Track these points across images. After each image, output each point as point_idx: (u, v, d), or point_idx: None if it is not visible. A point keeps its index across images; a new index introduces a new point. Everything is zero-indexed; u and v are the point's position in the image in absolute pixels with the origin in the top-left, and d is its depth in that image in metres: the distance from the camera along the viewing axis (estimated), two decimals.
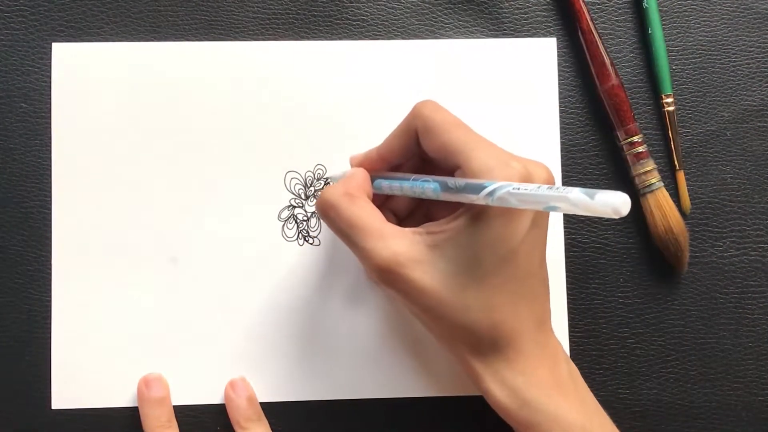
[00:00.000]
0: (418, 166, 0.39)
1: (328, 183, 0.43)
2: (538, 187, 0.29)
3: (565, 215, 0.44)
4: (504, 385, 0.34)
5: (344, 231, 0.35)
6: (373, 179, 0.38)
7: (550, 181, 0.34)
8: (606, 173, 0.44)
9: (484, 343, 0.34)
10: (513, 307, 0.34)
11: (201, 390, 0.43)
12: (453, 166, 0.35)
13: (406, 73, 0.44)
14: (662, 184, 0.43)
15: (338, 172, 0.42)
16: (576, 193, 0.27)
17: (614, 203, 0.26)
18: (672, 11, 0.45)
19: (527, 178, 0.33)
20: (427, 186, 0.35)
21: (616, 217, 0.26)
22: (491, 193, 0.31)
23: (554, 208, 0.28)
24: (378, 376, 0.43)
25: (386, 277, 0.34)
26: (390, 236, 0.34)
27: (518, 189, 0.30)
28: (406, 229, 0.35)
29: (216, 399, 0.42)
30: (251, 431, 0.41)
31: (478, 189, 0.31)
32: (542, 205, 0.29)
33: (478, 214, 0.33)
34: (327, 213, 0.36)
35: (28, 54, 0.43)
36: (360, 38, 0.44)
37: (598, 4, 0.45)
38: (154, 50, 0.44)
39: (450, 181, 0.33)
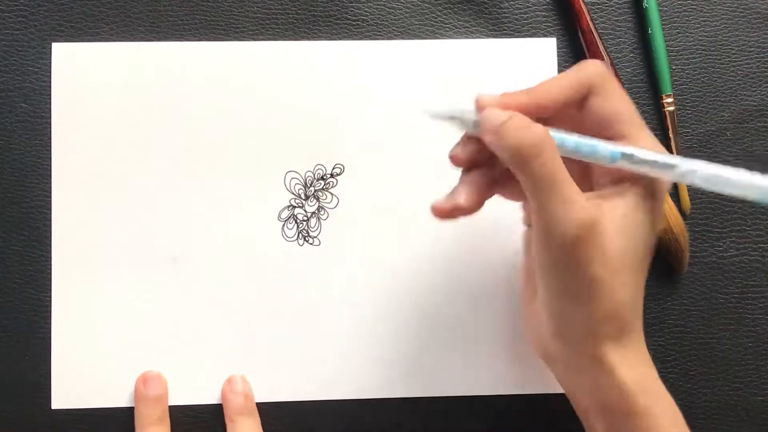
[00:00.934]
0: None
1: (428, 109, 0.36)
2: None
3: None
4: (634, 369, 0.34)
5: (544, 186, 0.32)
6: None
7: None
8: None
9: (627, 326, 0.34)
10: (641, 291, 0.35)
11: (200, 390, 0.43)
12: (614, 135, 0.34)
13: (406, 73, 0.44)
14: None
15: (465, 113, 0.34)
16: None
17: None
18: (672, 11, 0.45)
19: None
20: (604, 149, 0.34)
21: None
22: (683, 174, 0.33)
23: (739, 194, 0.32)
24: (379, 376, 0.43)
25: (575, 241, 0.32)
26: (582, 201, 0.32)
27: (709, 172, 0.33)
28: (593, 194, 0.35)
29: (215, 399, 0.42)
30: (239, 424, 0.41)
31: (669, 167, 0.33)
32: (730, 189, 0.32)
33: (652, 193, 0.34)
34: (534, 158, 0.32)
35: (28, 54, 0.43)
36: (360, 38, 0.44)
37: (598, 4, 0.45)
38: (154, 50, 0.44)
39: (638, 152, 0.33)
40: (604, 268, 0.33)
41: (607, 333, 0.34)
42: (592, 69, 0.35)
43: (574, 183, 0.33)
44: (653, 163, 0.33)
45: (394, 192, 0.44)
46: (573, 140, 0.34)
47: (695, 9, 0.45)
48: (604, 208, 0.33)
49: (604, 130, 0.35)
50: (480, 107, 0.34)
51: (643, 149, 0.33)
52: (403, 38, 0.45)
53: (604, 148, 0.33)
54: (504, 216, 0.44)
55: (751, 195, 0.32)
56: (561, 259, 0.33)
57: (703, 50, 0.45)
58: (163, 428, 0.41)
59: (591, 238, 0.32)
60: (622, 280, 0.33)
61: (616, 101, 0.35)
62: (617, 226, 0.33)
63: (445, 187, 0.44)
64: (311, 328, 0.43)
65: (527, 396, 0.43)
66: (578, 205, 0.32)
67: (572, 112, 0.35)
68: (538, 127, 0.32)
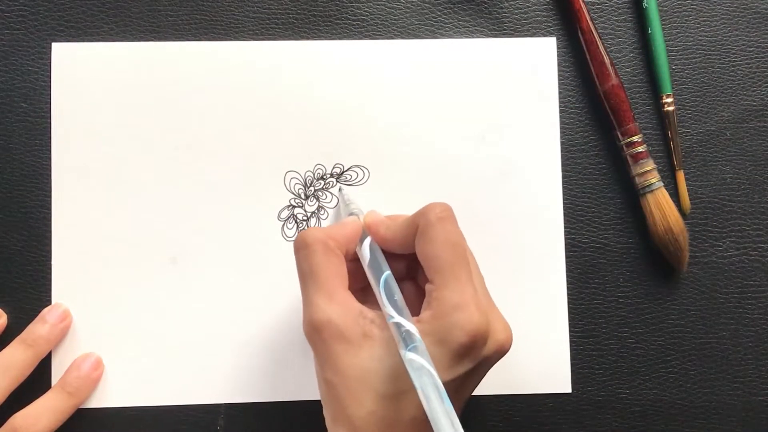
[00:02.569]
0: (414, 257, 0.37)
1: (340, 188, 0.43)
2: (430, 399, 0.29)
3: (565, 216, 0.44)
4: None
5: (304, 274, 0.35)
6: (362, 237, 0.37)
7: (507, 344, 0.34)
8: (606, 173, 0.44)
9: None
10: (394, 415, 0.33)
11: (200, 390, 0.43)
12: (429, 280, 0.34)
13: (406, 73, 0.44)
14: (662, 184, 0.43)
15: (350, 199, 0.41)
16: None
17: None
18: (672, 11, 0.45)
19: (481, 333, 0.32)
20: (377, 287, 0.34)
21: None
22: (406, 357, 0.30)
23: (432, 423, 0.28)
24: None
25: (312, 336, 0.33)
26: (336, 303, 0.34)
27: (424, 374, 0.29)
28: (359, 306, 0.34)
29: (215, 399, 0.42)
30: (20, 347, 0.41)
31: (403, 344, 0.31)
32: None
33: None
34: (298, 250, 0.35)
35: (28, 54, 0.43)
36: (360, 38, 0.44)
37: (598, 4, 0.45)
38: (154, 50, 0.44)
39: (390, 316, 0.32)
40: (337, 376, 0.33)
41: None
42: (424, 212, 0.35)
43: (331, 286, 0.34)
44: (394, 329, 0.32)
45: (394, 191, 0.44)
46: (366, 262, 0.35)
47: (695, 9, 0.45)
48: (355, 321, 0.33)
49: (426, 272, 0.34)
50: (365, 216, 0.38)
51: (394, 316, 0.32)
52: (403, 38, 0.45)
53: (376, 280, 0.34)
54: (504, 217, 0.44)
55: None
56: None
57: (703, 50, 0.45)
58: (30, 353, 0.41)
59: (321, 343, 0.33)
60: (356, 396, 0.32)
61: (431, 248, 0.34)
62: (365, 344, 0.33)
63: (443, 186, 0.44)
64: None
65: (525, 396, 0.43)
66: (321, 303, 0.33)
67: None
68: (319, 232, 0.35)
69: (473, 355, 0.32)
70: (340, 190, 0.43)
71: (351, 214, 0.39)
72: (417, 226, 0.35)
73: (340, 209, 0.43)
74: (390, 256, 0.37)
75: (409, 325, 0.31)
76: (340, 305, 0.34)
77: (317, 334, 0.33)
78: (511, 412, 0.43)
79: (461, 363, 0.32)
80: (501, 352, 0.34)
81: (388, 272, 0.34)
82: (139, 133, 0.43)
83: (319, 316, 0.33)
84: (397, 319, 0.32)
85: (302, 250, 0.35)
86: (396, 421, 0.33)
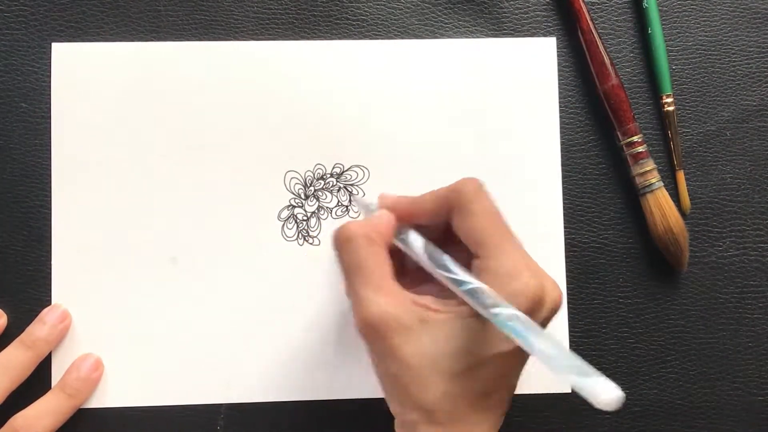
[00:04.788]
0: (442, 231, 0.37)
1: (353, 194, 0.43)
2: (537, 337, 0.29)
3: (565, 216, 0.44)
4: None
5: (350, 270, 0.34)
6: (402, 230, 0.37)
7: (560, 302, 0.34)
8: (606, 173, 0.44)
9: (439, 420, 0.33)
10: (465, 393, 0.33)
11: (200, 390, 0.43)
12: (474, 253, 0.34)
13: (406, 73, 0.44)
14: (662, 184, 0.43)
15: (366, 200, 0.41)
16: (571, 376, 0.27)
17: (606, 397, 0.26)
18: (672, 11, 0.45)
19: (539, 297, 0.32)
20: (442, 273, 0.34)
21: (601, 407, 0.26)
22: (496, 315, 0.30)
23: (543, 360, 0.28)
24: None
25: (368, 332, 0.33)
26: (387, 294, 0.33)
27: (517, 322, 0.30)
28: (409, 294, 0.34)
29: (215, 399, 0.42)
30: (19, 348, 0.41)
31: (487, 305, 0.31)
32: (535, 353, 0.29)
33: (479, 313, 0.33)
34: (342, 246, 0.35)
35: (28, 54, 0.43)
36: (360, 38, 0.44)
37: (598, 4, 0.45)
38: (154, 50, 0.44)
39: (465, 283, 0.33)
40: (402, 368, 0.33)
41: (413, 419, 0.33)
42: (457, 187, 0.35)
43: (380, 278, 0.33)
44: (469, 297, 0.32)
45: (393, 191, 0.44)
46: (421, 249, 0.35)
47: (695, 9, 0.45)
48: (408, 309, 0.33)
49: (469, 247, 0.34)
50: (380, 203, 0.38)
51: (471, 282, 0.32)
52: (403, 38, 0.45)
53: (435, 264, 0.34)
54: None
55: (554, 369, 0.28)
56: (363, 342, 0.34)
57: (703, 50, 0.45)
58: (29, 354, 0.41)
59: (379, 338, 0.33)
60: (423, 381, 0.32)
61: (473, 221, 0.34)
62: (423, 329, 0.33)
63: (443, 186, 0.44)
64: (311, 328, 0.43)
65: (525, 396, 0.43)
66: (373, 298, 0.33)
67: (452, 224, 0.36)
68: (359, 226, 0.35)
69: (535, 318, 0.32)
70: (351, 196, 0.43)
71: (372, 212, 0.39)
72: (449, 199, 0.35)
73: (361, 215, 0.43)
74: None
75: (487, 288, 0.32)
76: (392, 296, 0.33)
77: (374, 330, 0.33)
78: (511, 412, 0.43)
79: None
80: (556, 310, 0.34)
81: (446, 255, 0.34)
82: (139, 133, 0.43)
83: (372, 310, 0.33)
84: (477, 284, 0.32)
85: (346, 244, 0.35)
86: (470, 395, 0.32)
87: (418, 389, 0.32)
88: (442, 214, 0.35)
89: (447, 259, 0.34)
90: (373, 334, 0.33)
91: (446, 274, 0.33)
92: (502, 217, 0.35)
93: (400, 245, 0.36)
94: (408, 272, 0.38)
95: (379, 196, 0.38)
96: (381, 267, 0.34)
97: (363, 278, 0.34)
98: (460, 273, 0.33)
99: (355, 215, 0.44)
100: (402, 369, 0.32)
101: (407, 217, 0.37)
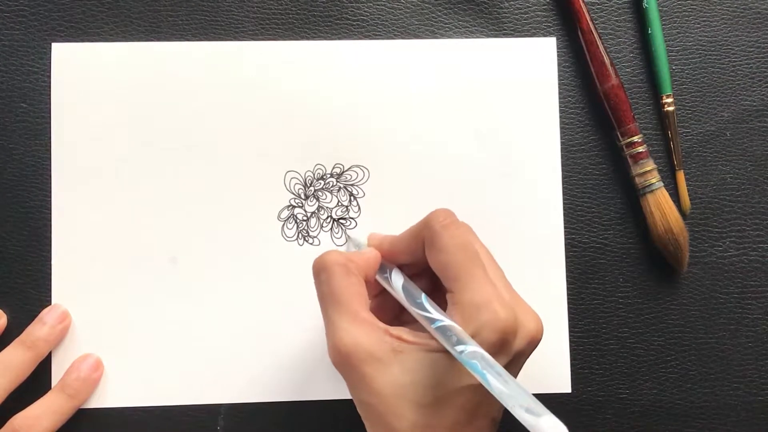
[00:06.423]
0: (425, 267, 0.37)
1: (347, 239, 0.43)
2: (496, 377, 0.30)
3: (565, 216, 0.44)
4: None
5: (325, 298, 0.35)
6: (386, 268, 0.37)
7: (538, 335, 0.34)
8: (606, 173, 0.44)
9: None
10: (441, 425, 0.33)
11: (200, 390, 0.43)
12: (447, 288, 0.34)
13: (406, 73, 0.44)
14: (662, 184, 0.43)
15: (359, 238, 0.41)
16: (522, 413, 0.29)
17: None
18: (672, 11, 0.45)
19: (510, 327, 0.32)
20: (416, 311, 0.34)
21: None
22: (459, 353, 0.31)
23: (499, 398, 0.29)
24: None
25: (340, 361, 0.33)
26: (361, 324, 0.33)
27: (478, 360, 0.30)
28: (383, 325, 0.34)
29: (215, 399, 0.42)
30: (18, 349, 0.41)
31: (452, 342, 0.31)
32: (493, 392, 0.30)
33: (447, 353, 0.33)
34: (319, 274, 0.35)
35: (28, 54, 0.43)
36: (360, 38, 0.44)
37: (598, 4, 0.45)
38: (154, 50, 0.44)
39: (436, 321, 0.33)
40: (373, 397, 0.33)
41: None
42: (426, 222, 0.35)
43: (355, 308, 0.34)
44: (439, 334, 0.32)
45: (394, 191, 0.44)
46: (399, 288, 0.36)
47: (695, 9, 0.45)
48: (382, 339, 0.33)
49: (443, 281, 0.34)
50: (369, 241, 0.39)
51: (442, 319, 0.32)
52: (403, 38, 0.45)
53: (411, 303, 0.35)
54: (504, 216, 0.44)
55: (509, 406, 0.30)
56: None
57: (703, 50, 0.45)
58: (29, 354, 0.41)
59: (351, 367, 0.33)
60: (396, 411, 0.32)
61: (441, 257, 0.34)
62: (396, 360, 0.33)
63: (443, 186, 0.44)
64: (311, 328, 0.43)
65: None
66: (346, 327, 0.33)
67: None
68: (338, 255, 0.35)
69: (506, 351, 0.32)
70: (348, 239, 0.43)
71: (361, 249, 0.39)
72: (421, 235, 0.35)
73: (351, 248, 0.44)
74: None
75: (455, 326, 0.32)
76: (365, 326, 0.33)
77: (347, 360, 0.33)
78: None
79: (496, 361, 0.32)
80: (533, 344, 0.34)
81: (423, 294, 0.35)
82: (139, 133, 0.43)
83: (345, 340, 0.33)
84: (447, 321, 0.32)
85: (322, 273, 0.35)
86: (442, 425, 0.32)
87: (392, 418, 0.32)
88: (418, 250, 0.36)
89: (423, 298, 0.34)
90: (346, 364, 0.33)
91: (420, 312, 0.34)
92: (473, 247, 0.34)
93: (383, 283, 0.37)
94: (387, 309, 0.38)
95: (368, 236, 0.39)
96: (356, 297, 0.34)
97: (337, 307, 0.34)
98: (432, 311, 0.33)
99: (355, 215, 0.44)
100: (374, 398, 0.33)
101: (389, 257, 0.37)
